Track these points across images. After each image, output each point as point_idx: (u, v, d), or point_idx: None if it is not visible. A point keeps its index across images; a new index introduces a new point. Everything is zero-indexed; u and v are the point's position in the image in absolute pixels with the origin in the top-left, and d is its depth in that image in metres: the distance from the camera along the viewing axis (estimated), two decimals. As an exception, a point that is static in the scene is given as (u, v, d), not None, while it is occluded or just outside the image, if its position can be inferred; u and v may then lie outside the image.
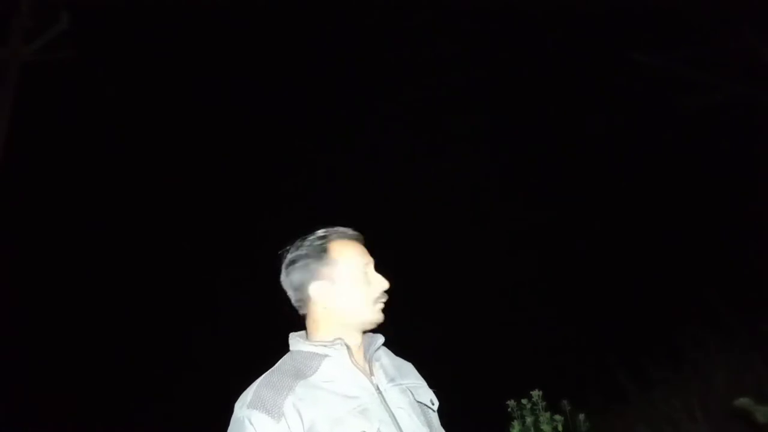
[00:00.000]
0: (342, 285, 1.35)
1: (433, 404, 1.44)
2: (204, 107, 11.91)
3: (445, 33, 11.72)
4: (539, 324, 9.24)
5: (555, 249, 10.76)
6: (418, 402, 1.40)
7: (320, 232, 1.40)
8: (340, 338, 1.34)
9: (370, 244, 1.48)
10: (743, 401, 2.81)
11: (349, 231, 1.43)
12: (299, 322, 1.45)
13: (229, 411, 1.29)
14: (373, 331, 1.43)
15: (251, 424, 1.21)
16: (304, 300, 1.38)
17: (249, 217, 11.71)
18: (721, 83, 8.14)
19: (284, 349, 1.41)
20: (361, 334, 1.40)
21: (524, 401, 3.60)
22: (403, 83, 12.08)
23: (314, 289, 1.35)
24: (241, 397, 1.30)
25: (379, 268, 1.44)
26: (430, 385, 1.50)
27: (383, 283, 1.39)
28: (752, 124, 8.24)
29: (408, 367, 1.51)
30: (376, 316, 1.36)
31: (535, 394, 3.58)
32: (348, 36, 11.56)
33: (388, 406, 1.31)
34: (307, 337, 1.40)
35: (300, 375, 1.29)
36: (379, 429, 1.24)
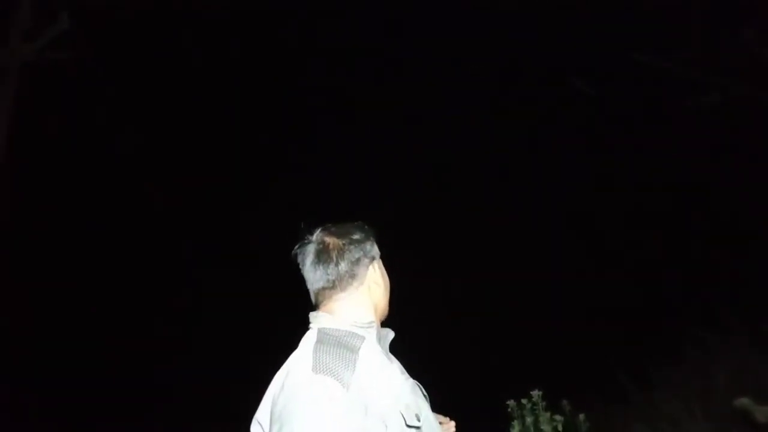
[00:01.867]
0: (382, 270, 1.48)
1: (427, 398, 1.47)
2: (204, 107, 11.92)
3: (442, 32, 11.73)
4: (539, 324, 9.24)
5: (555, 249, 10.77)
6: (424, 395, 1.44)
7: (366, 225, 1.50)
8: (374, 321, 1.37)
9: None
10: (743, 401, 2.81)
11: None
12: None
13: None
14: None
15: (325, 386, 1.12)
16: (354, 277, 1.37)
17: (249, 217, 11.72)
18: (721, 83, 8.15)
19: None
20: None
21: (524, 401, 3.61)
22: (400, 80, 12.11)
23: (372, 268, 1.42)
24: (288, 368, 1.23)
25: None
26: (428, 384, 1.54)
27: None
28: (752, 124, 8.24)
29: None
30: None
31: (536, 394, 3.59)
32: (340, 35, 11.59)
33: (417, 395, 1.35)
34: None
35: (352, 350, 1.24)
36: (426, 414, 1.27)
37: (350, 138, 11.97)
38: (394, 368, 1.33)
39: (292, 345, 1.39)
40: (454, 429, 1.82)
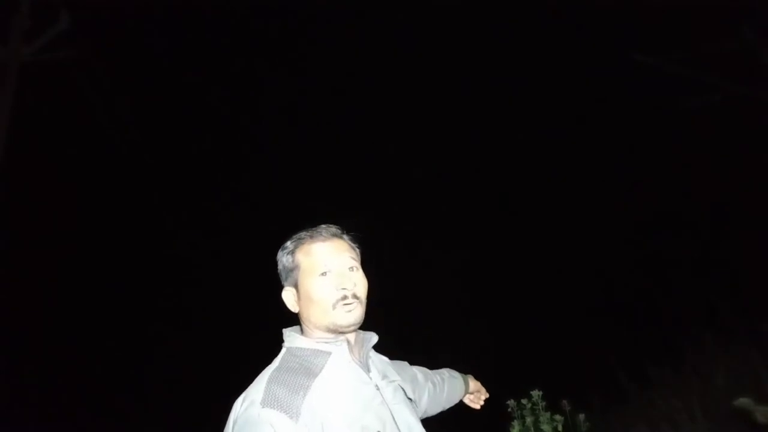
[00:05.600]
0: (302, 292, 1.37)
1: (414, 402, 1.46)
2: (202, 105, 11.92)
3: (444, 30, 11.72)
4: (539, 324, 9.24)
5: (554, 249, 10.77)
6: (408, 398, 1.42)
7: (297, 236, 1.42)
8: (343, 335, 1.34)
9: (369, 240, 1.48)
10: (743, 401, 2.81)
11: (322, 233, 1.40)
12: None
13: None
14: (367, 328, 1.44)
15: (270, 425, 1.15)
16: (292, 306, 1.41)
17: (250, 218, 11.70)
18: (721, 83, 8.14)
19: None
20: (354, 332, 1.39)
21: (524, 401, 3.60)
22: (393, 78, 12.11)
23: (283, 295, 1.41)
24: (246, 395, 1.24)
25: (369, 268, 1.45)
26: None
27: (336, 292, 1.33)
28: (752, 124, 8.23)
29: (393, 365, 1.53)
30: (338, 320, 1.32)
31: (535, 394, 3.58)
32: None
33: (386, 403, 1.32)
34: (302, 332, 1.39)
35: (310, 373, 1.26)
36: (386, 428, 1.25)
37: (352, 132, 12.00)
38: (365, 381, 1.32)
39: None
40: (482, 401, 1.90)
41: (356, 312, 1.34)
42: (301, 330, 1.40)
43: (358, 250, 1.46)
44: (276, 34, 11.89)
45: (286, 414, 1.16)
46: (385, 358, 1.52)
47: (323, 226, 1.43)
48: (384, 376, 1.40)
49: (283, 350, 1.37)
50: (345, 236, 1.44)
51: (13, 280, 8.87)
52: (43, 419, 8.72)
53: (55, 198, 10.66)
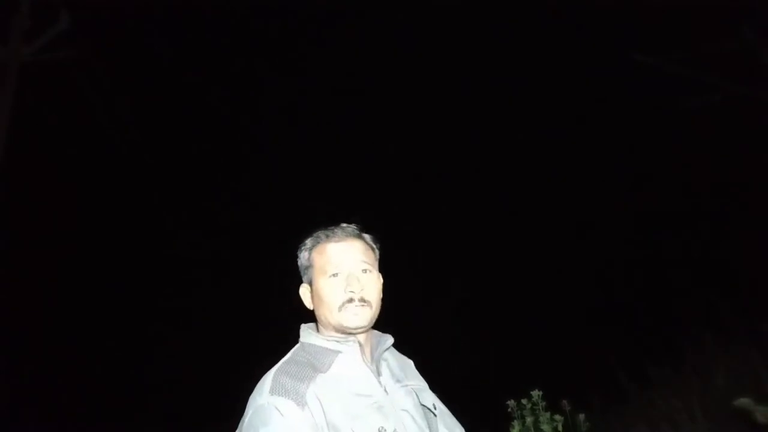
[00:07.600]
0: (314, 290, 1.39)
1: (435, 408, 1.41)
2: (202, 105, 11.91)
3: (444, 30, 11.73)
4: (539, 324, 9.24)
5: (555, 249, 10.77)
6: (421, 405, 1.39)
7: (316, 234, 1.43)
8: (353, 335, 1.35)
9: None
10: (743, 401, 2.80)
11: (338, 233, 1.40)
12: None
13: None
14: (384, 330, 1.45)
15: (277, 410, 1.18)
16: (309, 303, 1.43)
17: (249, 218, 11.69)
18: (721, 83, 8.14)
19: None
20: (365, 333, 1.38)
21: (524, 401, 3.60)
22: (393, 78, 12.11)
23: (300, 291, 1.45)
24: (256, 388, 1.27)
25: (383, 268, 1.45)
26: (431, 385, 1.50)
27: (343, 294, 1.34)
28: (752, 124, 8.24)
29: (411, 367, 1.51)
30: (344, 322, 1.33)
31: (535, 394, 3.57)
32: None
33: (394, 406, 1.30)
34: (317, 329, 1.41)
35: (316, 369, 1.28)
36: (395, 428, 1.24)
37: (352, 132, 12.00)
38: (372, 383, 1.31)
39: (285, 343, 1.42)
40: None
41: (363, 314, 1.33)
42: (317, 327, 1.42)
43: (377, 251, 1.46)
44: (276, 34, 11.91)
45: (293, 401, 1.19)
46: (402, 359, 1.50)
47: (342, 225, 1.43)
48: (397, 380, 1.38)
49: (297, 345, 1.39)
50: (364, 236, 1.44)
51: (13, 280, 8.87)
52: (43, 419, 8.72)
53: (55, 198, 10.65)
